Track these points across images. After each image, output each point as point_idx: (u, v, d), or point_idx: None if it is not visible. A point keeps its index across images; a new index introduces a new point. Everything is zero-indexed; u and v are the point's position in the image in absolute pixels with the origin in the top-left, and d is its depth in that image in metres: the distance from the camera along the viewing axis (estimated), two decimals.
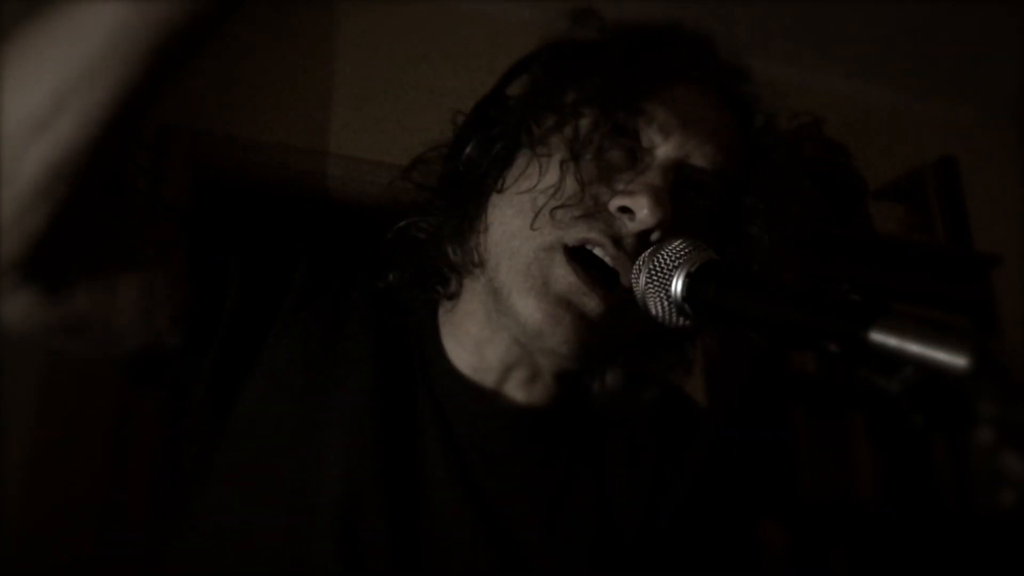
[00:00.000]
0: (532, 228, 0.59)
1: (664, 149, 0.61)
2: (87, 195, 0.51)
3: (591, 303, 0.59)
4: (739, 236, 0.66)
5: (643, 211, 0.58)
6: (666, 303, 0.54)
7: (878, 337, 0.39)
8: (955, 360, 0.36)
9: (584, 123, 0.61)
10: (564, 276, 0.59)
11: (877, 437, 1.95)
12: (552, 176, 0.60)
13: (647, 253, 0.56)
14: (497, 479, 0.65)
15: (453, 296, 0.68)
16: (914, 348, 0.38)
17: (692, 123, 0.62)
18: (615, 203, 0.59)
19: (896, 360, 0.38)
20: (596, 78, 0.62)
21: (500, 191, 0.63)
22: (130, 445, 1.62)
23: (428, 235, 0.67)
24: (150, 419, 1.68)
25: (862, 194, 2.18)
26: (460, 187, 0.65)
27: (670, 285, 0.54)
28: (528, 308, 0.59)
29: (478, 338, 0.66)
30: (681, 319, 0.54)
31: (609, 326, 0.60)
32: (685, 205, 0.61)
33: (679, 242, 0.55)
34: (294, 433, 0.62)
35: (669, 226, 0.59)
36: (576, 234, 0.59)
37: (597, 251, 0.59)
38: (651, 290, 0.55)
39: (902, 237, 2.24)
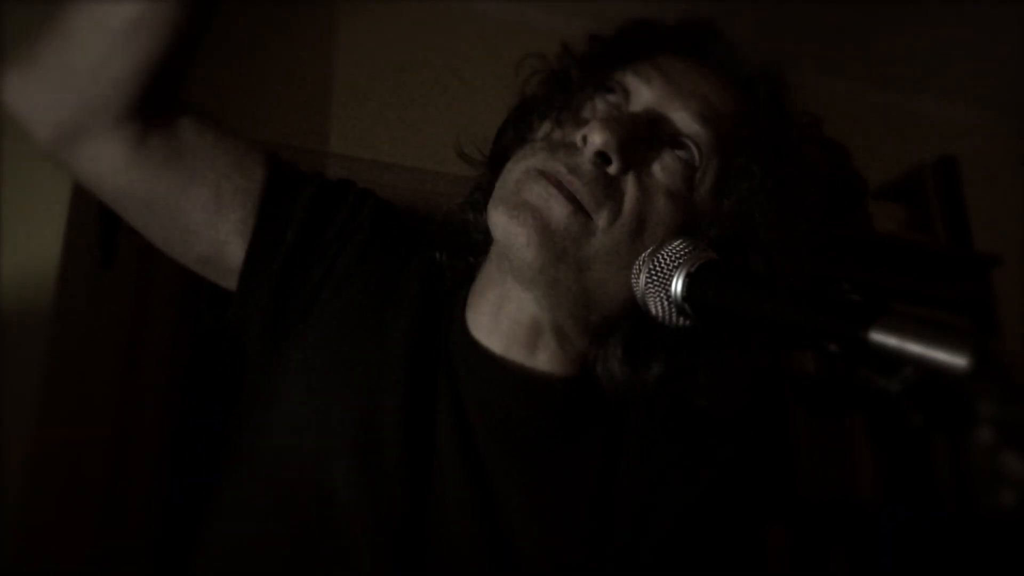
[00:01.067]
0: (512, 173, 0.65)
1: (640, 99, 0.66)
2: (168, 50, 0.63)
3: (555, 208, 0.61)
4: (731, 197, 0.67)
5: (593, 134, 0.61)
6: (666, 303, 0.54)
7: (878, 337, 0.39)
8: (955, 360, 0.36)
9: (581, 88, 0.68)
10: (533, 187, 0.62)
11: (877, 437, 1.95)
12: (537, 127, 0.70)
13: (647, 253, 0.56)
14: (495, 443, 0.65)
15: (477, 264, 0.73)
16: (914, 348, 0.38)
17: (676, 82, 0.66)
18: (576, 136, 0.63)
19: (896, 360, 0.38)
20: (595, 51, 0.71)
21: (508, 157, 0.69)
22: (132, 441, 1.62)
23: (465, 214, 0.74)
24: (152, 413, 1.68)
25: (862, 194, 2.17)
26: (491, 166, 0.72)
27: (670, 285, 0.54)
28: (498, 217, 0.62)
29: (494, 301, 0.69)
30: (681, 319, 0.54)
31: (571, 244, 0.61)
32: (661, 156, 0.64)
33: (679, 242, 0.55)
34: (335, 379, 0.66)
35: (627, 157, 0.62)
36: (539, 163, 0.63)
37: (550, 171, 0.62)
38: (651, 290, 0.55)
39: (902, 237, 2.24)
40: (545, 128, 0.69)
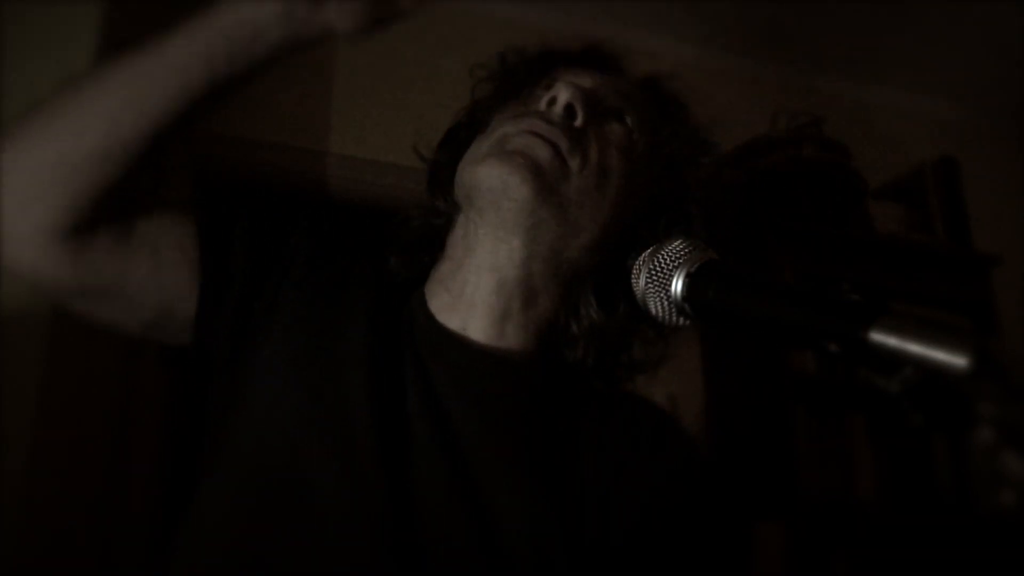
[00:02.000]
0: (496, 135, 0.73)
1: (567, 78, 0.76)
2: (129, 175, 0.66)
3: (541, 152, 0.69)
4: (661, 155, 0.79)
5: (560, 91, 0.72)
6: (666, 303, 0.54)
7: (878, 337, 0.39)
8: (955, 360, 0.36)
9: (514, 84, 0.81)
10: (514, 139, 0.71)
11: (877, 437, 1.95)
12: (501, 111, 0.78)
13: (647, 253, 0.56)
14: (470, 424, 0.67)
15: (439, 252, 0.78)
16: (914, 348, 0.38)
17: (591, 76, 0.79)
18: (542, 101, 0.73)
19: (896, 360, 0.39)
20: (532, 58, 0.83)
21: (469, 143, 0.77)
22: (131, 441, 1.62)
23: (423, 210, 0.81)
24: (153, 406, 1.68)
25: (862, 194, 2.18)
26: (447, 155, 0.82)
27: (670, 285, 0.54)
28: (492, 169, 0.70)
29: (461, 282, 0.73)
30: (681, 319, 0.54)
31: (558, 184, 0.70)
32: (608, 121, 0.76)
33: (679, 242, 0.55)
34: (300, 376, 0.68)
35: (588, 112, 0.73)
36: (516, 126, 0.72)
37: (533, 131, 0.71)
38: (651, 290, 0.55)
39: (902, 237, 2.24)
40: (501, 114, 0.77)
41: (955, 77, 2.66)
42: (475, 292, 0.72)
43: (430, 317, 0.73)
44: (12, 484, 1.20)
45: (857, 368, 0.42)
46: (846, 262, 2.06)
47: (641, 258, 0.57)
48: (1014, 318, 2.24)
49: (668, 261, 0.54)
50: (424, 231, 0.81)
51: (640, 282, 0.56)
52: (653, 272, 0.55)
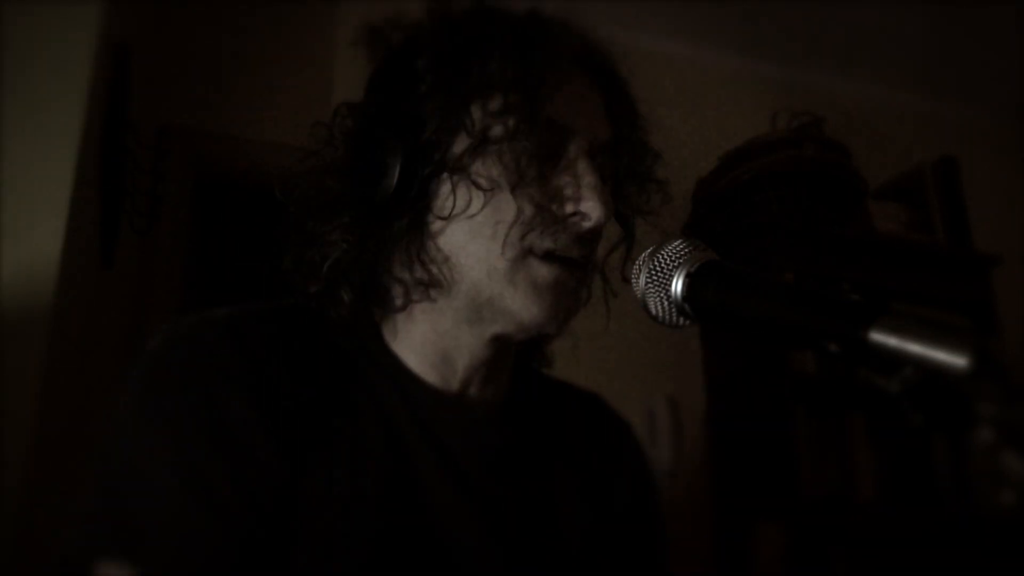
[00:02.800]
0: (502, 257, 0.65)
1: (578, 140, 0.68)
2: None
3: (573, 283, 0.68)
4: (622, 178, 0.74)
5: (596, 213, 0.66)
6: (666, 303, 0.54)
7: (878, 337, 0.39)
8: (955, 360, 0.36)
9: (510, 144, 0.65)
10: (547, 273, 0.66)
11: (877, 437, 1.95)
12: (505, 204, 0.65)
13: (647, 253, 0.56)
14: (488, 478, 0.69)
15: (399, 310, 0.70)
16: (914, 348, 0.38)
17: (587, 109, 0.70)
18: (569, 210, 0.67)
19: (896, 360, 0.38)
20: (498, 88, 0.65)
21: (445, 218, 0.66)
22: None
23: (355, 260, 0.68)
24: None
25: (862, 194, 2.18)
26: (390, 213, 0.67)
27: (670, 285, 0.54)
28: (530, 310, 0.66)
29: (444, 349, 0.70)
30: (681, 319, 0.54)
31: (581, 295, 0.71)
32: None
33: (679, 242, 0.55)
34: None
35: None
36: (543, 245, 0.66)
37: (559, 253, 0.66)
38: (651, 290, 0.55)
39: (902, 237, 2.24)
40: (486, 196, 0.65)
41: (955, 77, 2.65)
42: (470, 368, 0.71)
43: (418, 383, 0.70)
44: (12, 484, 1.20)
45: (857, 368, 0.42)
46: (846, 262, 2.06)
47: (641, 258, 0.56)
48: (1014, 318, 2.24)
49: (668, 261, 0.54)
50: (358, 277, 0.69)
51: (640, 282, 0.56)
52: (653, 272, 0.55)
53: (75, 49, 1.42)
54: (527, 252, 0.65)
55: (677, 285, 0.53)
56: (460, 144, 0.65)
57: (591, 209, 0.66)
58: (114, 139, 1.57)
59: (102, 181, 1.56)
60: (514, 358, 0.76)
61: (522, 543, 0.69)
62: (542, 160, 0.66)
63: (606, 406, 0.87)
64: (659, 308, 0.55)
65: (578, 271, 0.68)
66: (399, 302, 0.69)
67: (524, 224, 0.65)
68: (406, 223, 0.67)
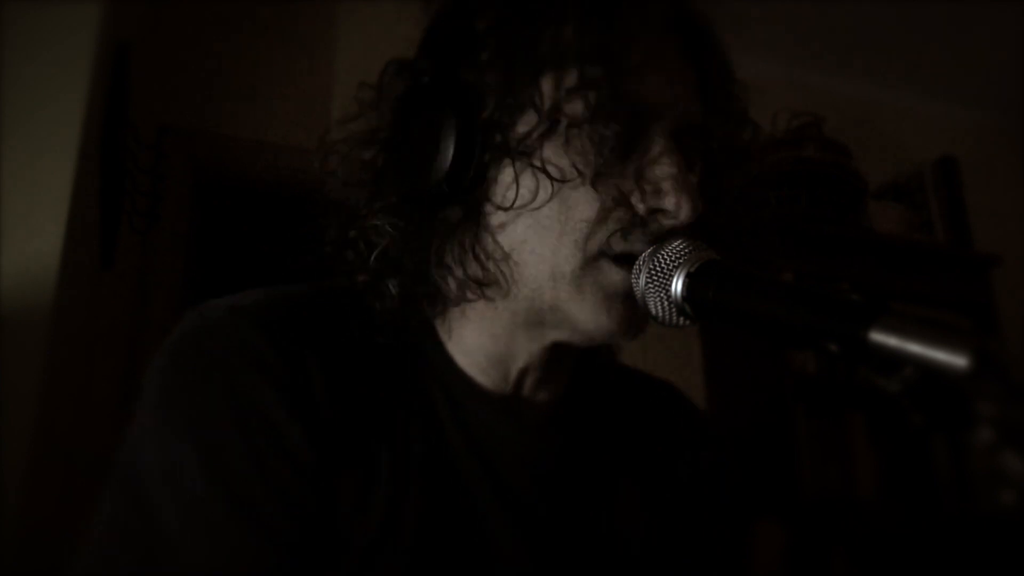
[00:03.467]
0: (569, 259, 0.57)
1: (666, 122, 0.58)
2: None
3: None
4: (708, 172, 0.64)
5: (683, 212, 0.56)
6: (666, 303, 0.54)
7: (878, 337, 0.39)
8: (955, 360, 0.36)
9: (591, 127, 0.56)
10: (621, 279, 0.57)
11: (877, 437, 1.95)
12: (577, 197, 0.56)
13: (647, 253, 0.56)
14: (537, 494, 0.64)
15: (452, 304, 0.62)
16: (914, 348, 0.38)
17: (678, 81, 0.60)
18: (651, 205, 0.57)
19: (896, 360, 0.38)
20: (575, 58, 0.56)
21: (506, 209, 0.57)
22: None
23: (404, 250, 0.60)
24: None
25: (862, 194, 2.18)
26: (438, 200, 0.59)
27: (670, 285, 0.53)
28: (598, 319, 0.57)
29: (498, 354, 0.63)
30: (681, 319, 0.54)
31: None
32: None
33: (679, 242, 0.55)
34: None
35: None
36: (618, 246, 0.57)
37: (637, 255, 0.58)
38: (651, 290, 0.55)
39: (902, 237, 2.24)
40: (554, 186, 0.56)
41: (955, 77, 2.66)
42: (524, 370, 0.64)
43: (482, 395, 0.63)
44: (12, 484, 1.20)
45: (857, 368, 0.41)
46: (846, 262, 2.06)
47: (641, 258, 0.56)
48: (1014, 318, 2.25)
49: (668, 261, 0.54)
50: (407, 281, 0.61)
51: (640, 282, 0.56)
52: (653, 272, 0.55)
53: (75, 49, 1.42)
54: (600, 254, 0.57)
55: (677, 285, 0.53)
56: (525, 124, 0.56)
57: (676, 206, 0.56)
58: (114, 139, 1.57)
59: (102, 181, 1.56)
60: (578, 358, 0.68)
61: (573, 560, 0.63)
62: (621, 145, 0.57)
63: (679, 397, 0.79)
64: (659, 308, 0.55)
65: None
66: (452, 299, 0.61)
67: (599, 222, 0.56)
68: (461, 213, 0.58)
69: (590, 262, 0.57)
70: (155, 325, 1.79)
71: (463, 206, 0.58)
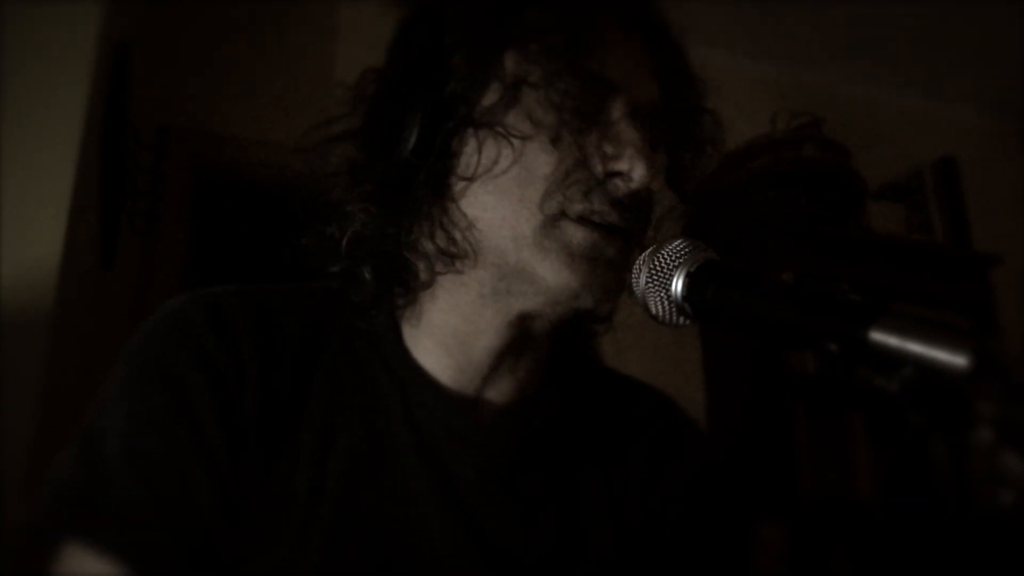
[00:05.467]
0: (529, 220, 0.59)
1: (621, 102, 0.61)
2: None
3: (612, 251, 0.60)
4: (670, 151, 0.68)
5: (638, 171, 0.59)
6: (666, 303, 0.54)
7: (878, 337, 0.39)
8: (955, 360, 0.36)
9: (548, 92, 0.59)
10: (583, 237, 0.59)
11: (877, 437, 1.95)
12: (535, 160, 0.59)
13: (647, 253, 0.56)
14: (485, 496, 0.63)
15: (424, 287, 0.64)
16: (914, 348, 0.38)
17: (634, 66, 0.63)
18: (610, 169, 0.60)
19: (896, 360, 0.38)
20: (537, 42, 0.59)
21: (469, 178, 0.60)
22: None
23: (379, 234, 0.63)
24: None
25: (862, 194, 2.18)
26: (410, 177, 0.61)
27: (670, 285, 0.54)
28: (560, 276, 0.59)
29: (461, 332, 0.64)
30: (681, 319, 0.54)
31: (624, 269, 0.61)
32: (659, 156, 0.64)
33: (679, 242, 0.55)
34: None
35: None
36: (577, 208, 0.59)
37: (596, 218, 0.60)
38: (651, 290, 0.55)
39: (902, 237, 2.24)
40: (516, 150, 0.59)
41: (955, 77, 2.66)
42: (487, 355, 0.64)
43: (427, 380, 0.64)
44: (12, 484, 1.20)
45: (857, 368, 0.42)
46: (846, 262, 2.06)
47: (641, 258, 0.56)
48: (1014, 318, 2.25)
49: (668, 261, 0.54)
50: (380, 253, 0.63)
51: (640, 281, 0.56)
52: (653, 272, 0.55)
53: (75, 49, 1.42)
54: (559, 215, 0.59)
55: (677, 285, 0.53)
56: (491, 96, 0.59)
57: (633, 169, 0.59)
58: (114, 139, 1.58)
59: (102, 181, 1.56)
60: (550, 352, 0.68)
61: (520, 561, 0.62)
62: (582, 113, 0.59)
63: (668, 405, 0.78)
64: (659, 308, 0.55)
65: (620, 241, 0.60)
66: (424, 277, 0.63)
67: (557, 182, 0.58)
68: (428, 187, 0.61)
69: (550, 223, 0.59)
70: None
71: (430, 180, 0.61)
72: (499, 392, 0.66)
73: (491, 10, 0.61)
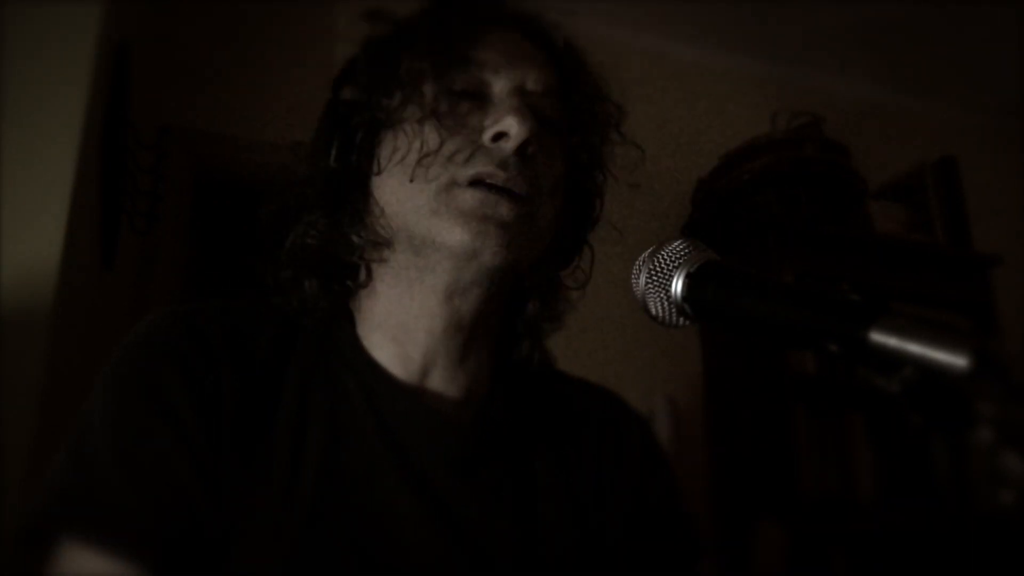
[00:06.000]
0: (412, 181, 0.65)
1: (501, 82, 0.68)
2: None
3: (503, 209, 0.65)
4: (572, 151, 0.73)
5: (514, 127, 0.64)
6: (666, 303, 0.54)
7: (878, 337, 0.39)
8: (955, 360, 0.36)
9: (427, 86, 0.67)
10: (472, 197, 0.64)
11: (877, 437, 1.96)
12: (420, 136, 0.66)
13: (647, 253, 0.56)
14: (448, 482, 0.66)
15: (362, 286, 0.71)
16: (914, 348, 0.38)
17: (515, 55, 0.70)
18: (487, 134, 0.65)
19: (896, 360, 0.38)
20: (423, 42, 0.68)
21: (378, 173, 0.67)
22: None
23: (319, 237, 0.69)
24: None
25: (862, 194, 2.18)
26: (337, 182, 0.69)
27: (670, 285, 0.54)
28: (454, 234, 0.64)
29: (403, 321, 0.69)
30: (681, 319, 0.54)
31: (522, 232, 0.66)
32: (546, 137, 0.68)
33: (679, 243, 0.55)
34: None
35: (541, 141, 0.66)
36: (465, 172, 0.65)
37: (488, 181, 0.65)
38: (651, 290, 0.55)
39: (902, 237, 2.25)
40: (409, 137, 0.66)
41: (955, 77, 2.66)
42: (429, 340, 0.68)
43: (377, 370, 0.68)
44: (12, 484, 1.20)
45: (857, 368, 0.42)
46: (846, 262, 2.06)
47: (641, 258, 0.56)
48: (1014, 318, 2.25)
49: (668, 261, 0.54)
50: (323, 258, 0.69)
51: (640, 282, 0.56)
52: (653, 272, 0.55)
53: (75, 49, 1.42)
54: (451, 184, 0.65)
55: (677, 285, 0.53)
56: (395, 99, 0.67)
57: (510, 125, 0.64)
58: (114, 139, 1.58)
59: (102, 181, 1.56)
60: (499, 349, 0.73)
61: (485, 546, 0.65)
62: (466, 99, 0.67)
63: (616, 402, 0.82)
64: (659, 308, 0.55)
65: (512, 199, 0.65)
66: (362, 276, 0.70)
67: (443, 154, 0.65)
68: (351, 188, 0.68)
69: (443, 192, 0.65)
70: None
71: (352, 183, 0.69)
72: (453, 384, 0.70)
73: (386, 35, 0.71)
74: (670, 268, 0.54)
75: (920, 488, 1.96)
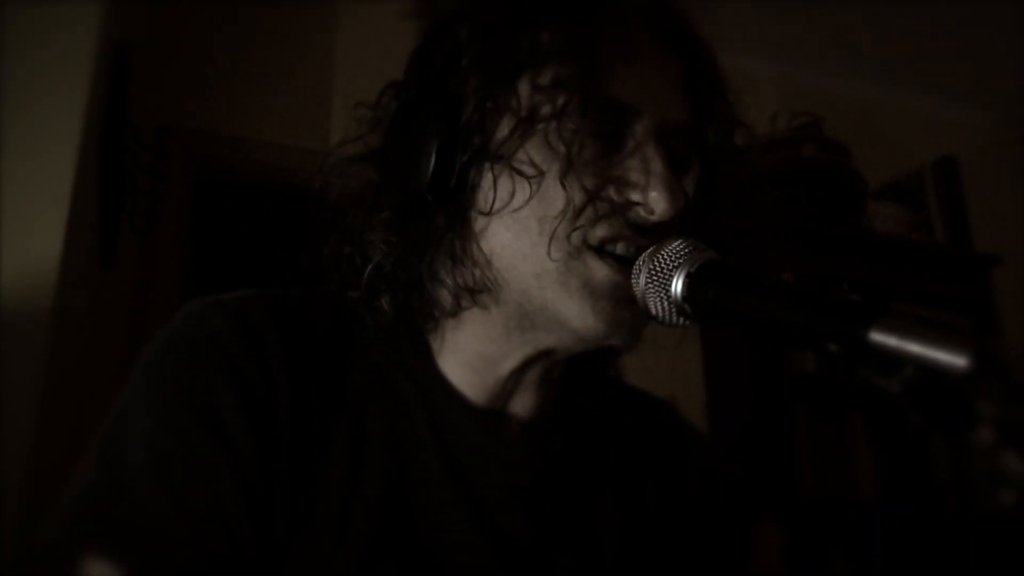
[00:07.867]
0: (550, 255, 0.56)
1: (646, 120, 0.58)
2: None
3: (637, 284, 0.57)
4: (704, 176, 0.64)
5: (661, 208, 0.56)
6: (666, 303, 0.54)
7: (878, 337, 0.39)
8: (955, 360, 0.36)
9: (560, 124, 0.56)
10: (605, 275, 0.57)
11: (877, 437, 1.95)
12: (554, 194, 0.56)
13: (647, 253, 0.56)
14: (511, 514, 0.63)
15: (449, 315, 0.62)
16: (914, 348, 0.38)
17: (658, 81, 0.60)
18: (630, 198, 0.57)
19: (896, 360, 0.38)
20: (550, 59, 0.57)
21: (487, 213, 0.58)
22: None
23: (398, 265, 0.61)
24: None
25: (862, 194, 2.18)
26: (422, 209, 0.60)
27: (670, 285, 0.54)
28: (586, 320, 0.57)
29: (489, 355, 0.63)
30: (681, 319, 0.54)
31: None
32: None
33: (679, 242, 0.55)
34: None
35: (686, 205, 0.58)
36: (596, 235, 0.57)
37: (619, 247, 0.58)
38: (651, 290, 0.55)
39: (902, 237, 2.24)
40: (533, 187, 0.56)
41: (955, 77, 2.66)
42: (514, 375, 0.63)
43: (454, 399, 0.63)
44: (12, 484, 1.20)
45: (857, 368, 0.41)
46: (846, 262, 2.06)
47: (641, 258, 0.56)
48: (1014, 318, 2.25)
49: (668, 261, 0.54)
50: (400, 296, 0.62)
51: (640, 282, 0.56)
52: (653, 272, 0.55)
53: (75, 49, 1.42)
54: (580, 248, 0.56)
55: (677, 285, 0.53)
56: (505, 127, 0.57)
57: (656, 201, 0.56)
58: (114, 139, 1.58)
59: (102, 181, 1.56)
60: (570, 366, 0.67)
61: (544, 574, 0.62)
62: (599, 142, 0.57)
63: (674, 417, 0.78)
64: (659, 308, 0.55)
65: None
66: (448, 307, 0.61)
67: (574, 216, 0.56)
68: (446, 220, 0.59)
69: (571, 258, 0.57)
70: (155, 325, 1.79)
71: (448, 215, 0.59)
72: (523, 407, 0.65)
73: (504, 31, 0.58)
74: (670, 268, 0.54)
75: (920, 488, 1.96)
